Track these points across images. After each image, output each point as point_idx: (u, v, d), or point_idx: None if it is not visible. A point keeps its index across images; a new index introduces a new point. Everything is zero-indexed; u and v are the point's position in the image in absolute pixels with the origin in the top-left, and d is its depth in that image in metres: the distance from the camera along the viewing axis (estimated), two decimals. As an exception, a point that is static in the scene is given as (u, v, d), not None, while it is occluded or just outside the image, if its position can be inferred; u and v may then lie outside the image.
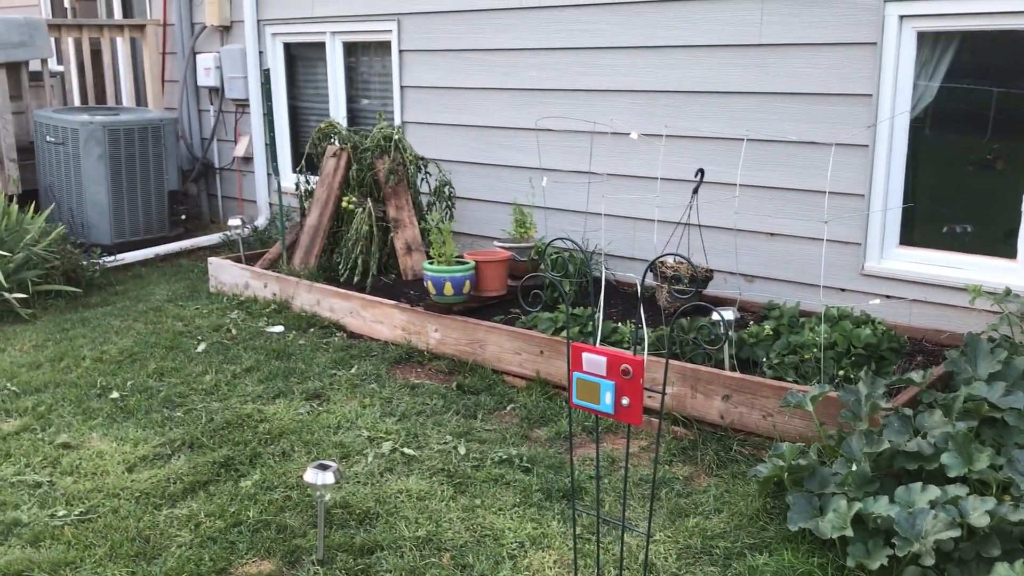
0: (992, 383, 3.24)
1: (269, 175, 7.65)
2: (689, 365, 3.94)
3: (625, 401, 2.26)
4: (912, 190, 4.57)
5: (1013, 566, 2.43)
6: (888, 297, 4.52)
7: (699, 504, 3.37)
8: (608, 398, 2.28)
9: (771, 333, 4.17)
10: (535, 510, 3.35)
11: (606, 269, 5.35)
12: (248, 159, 7.87)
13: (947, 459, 2.83)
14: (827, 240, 4.57)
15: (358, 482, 3.57)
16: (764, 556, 2.97)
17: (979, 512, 2.62)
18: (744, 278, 5.06)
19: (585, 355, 2.31)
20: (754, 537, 3.12)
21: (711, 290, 4.94)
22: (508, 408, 4.26)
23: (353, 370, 4.75)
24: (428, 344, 4.91)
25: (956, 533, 2.59)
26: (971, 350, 3.50)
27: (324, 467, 2.96)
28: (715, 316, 3.94)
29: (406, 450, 3.84)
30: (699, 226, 4.87)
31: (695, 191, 4.72)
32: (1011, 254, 4.27)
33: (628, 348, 4.18)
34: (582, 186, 5.53)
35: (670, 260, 4.91)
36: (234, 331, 5.43)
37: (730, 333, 3.92)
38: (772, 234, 4.94)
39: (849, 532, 2.78)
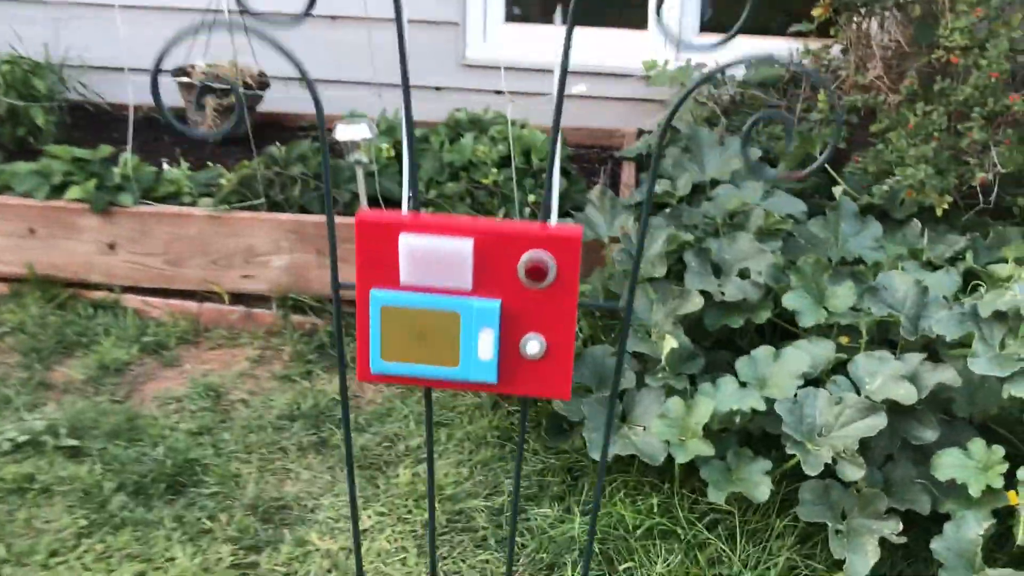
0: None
1: None
2: (307, 217, 2.50)
3: (539, 347, 0.87)
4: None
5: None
6: (498, 93, 3.46)
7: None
8: (487, 346, 0.86)
9: (394, 155, 2.87)
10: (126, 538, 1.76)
11: (89, 89, 3.47)
12: None
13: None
14: (414, 21, 3.32)
15: None
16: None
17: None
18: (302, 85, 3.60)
19: (409, 239, 0.83)
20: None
21: (268, 107, 3.42)
22: (-11, 337, 2.42)
23: None
24: None
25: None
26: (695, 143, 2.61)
27: None
28: (338, 135, 2.50)
29: None
30: (241, 12, 3.24)
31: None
32: (642, 24, 3.47)
33: (193, 202, 2.56)
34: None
35: (200, 63, 3.26)
36: None
37: (363, 158, 2.52)
38: (334, 17, 3.53)
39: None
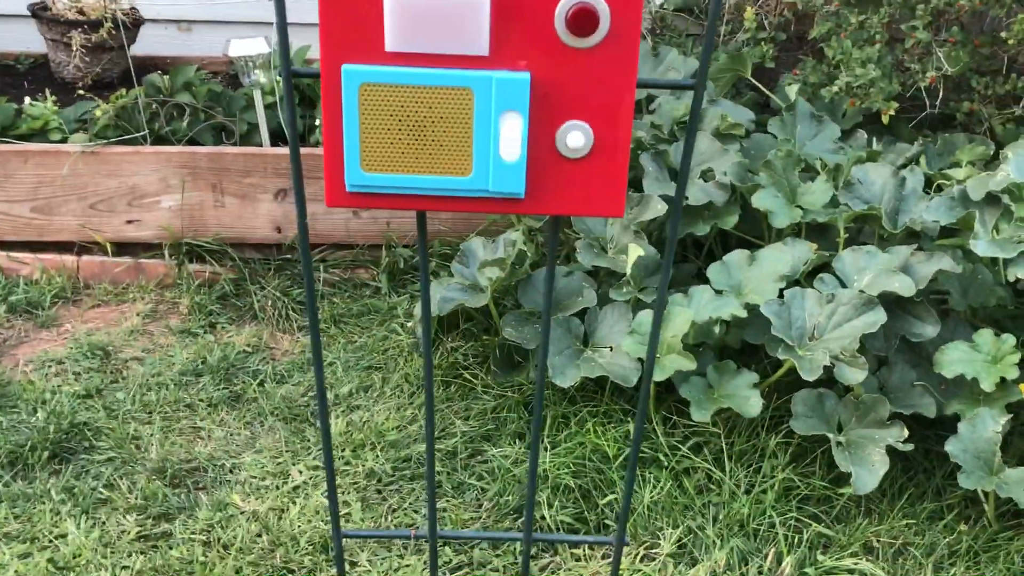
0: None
1: None
2: (199, 149, 2.18)
3: (584, 139, 0.62)
4: None
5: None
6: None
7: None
8: (513, 140, 0.61)
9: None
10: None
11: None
12: None
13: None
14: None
15: None
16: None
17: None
18: (179, 25, 3.25)
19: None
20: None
21: (143, 50, 3.05)
22: None
23: None
24: None
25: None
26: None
27: None
28: (232, 51, 2.19)
29: None
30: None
31: None
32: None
33: (64, 139, 2.20)
34: None
35: (61, -2, 2.88)
36: None
37: (262, 78, 2.21)
38: (214, -48, 3.18)
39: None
